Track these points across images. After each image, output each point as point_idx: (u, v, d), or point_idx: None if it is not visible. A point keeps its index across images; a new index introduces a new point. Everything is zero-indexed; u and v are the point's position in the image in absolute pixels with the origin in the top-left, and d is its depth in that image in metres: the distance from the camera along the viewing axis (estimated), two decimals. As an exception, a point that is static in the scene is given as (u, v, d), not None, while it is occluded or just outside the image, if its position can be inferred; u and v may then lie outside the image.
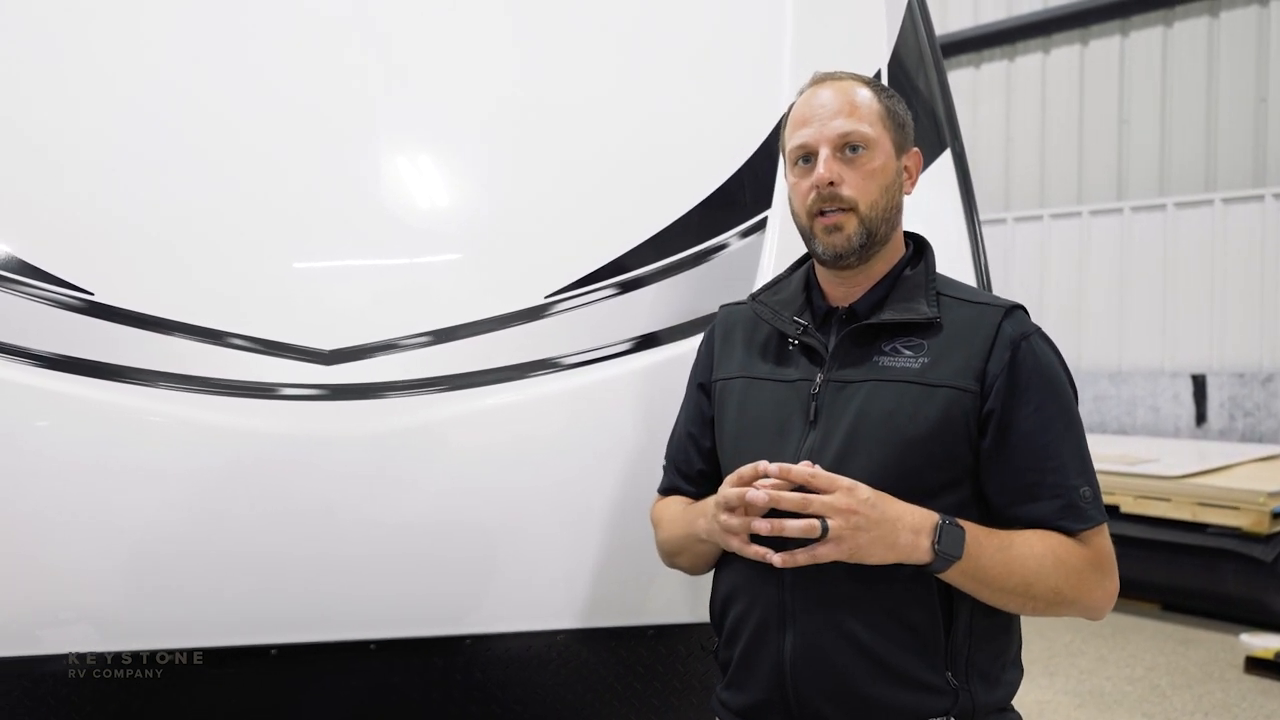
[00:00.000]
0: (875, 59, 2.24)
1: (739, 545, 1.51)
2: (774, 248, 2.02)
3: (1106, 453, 6.73)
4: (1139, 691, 4.73)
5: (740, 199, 2.06)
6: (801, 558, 1.44)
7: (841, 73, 1.66)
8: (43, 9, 1.99)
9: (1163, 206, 8.44)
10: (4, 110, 1.91)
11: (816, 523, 1.42)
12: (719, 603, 1.68)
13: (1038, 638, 5.26)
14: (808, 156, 1.60)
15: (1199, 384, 8.05)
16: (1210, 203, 8.18)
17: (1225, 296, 8.03)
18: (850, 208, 1.56)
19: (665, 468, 1.81)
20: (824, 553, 1.43)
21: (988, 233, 9.09)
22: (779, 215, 2.04)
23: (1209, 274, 8.11)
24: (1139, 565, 5.76)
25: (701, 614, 1.95)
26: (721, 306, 1.82)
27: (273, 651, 1.80)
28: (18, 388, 1.69)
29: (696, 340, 1.94)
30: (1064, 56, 9.42)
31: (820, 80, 1.65)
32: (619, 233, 1.99)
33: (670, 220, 2.01)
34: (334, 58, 2.05)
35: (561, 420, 1.89)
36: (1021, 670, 1.65)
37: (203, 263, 1.85)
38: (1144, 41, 8.91)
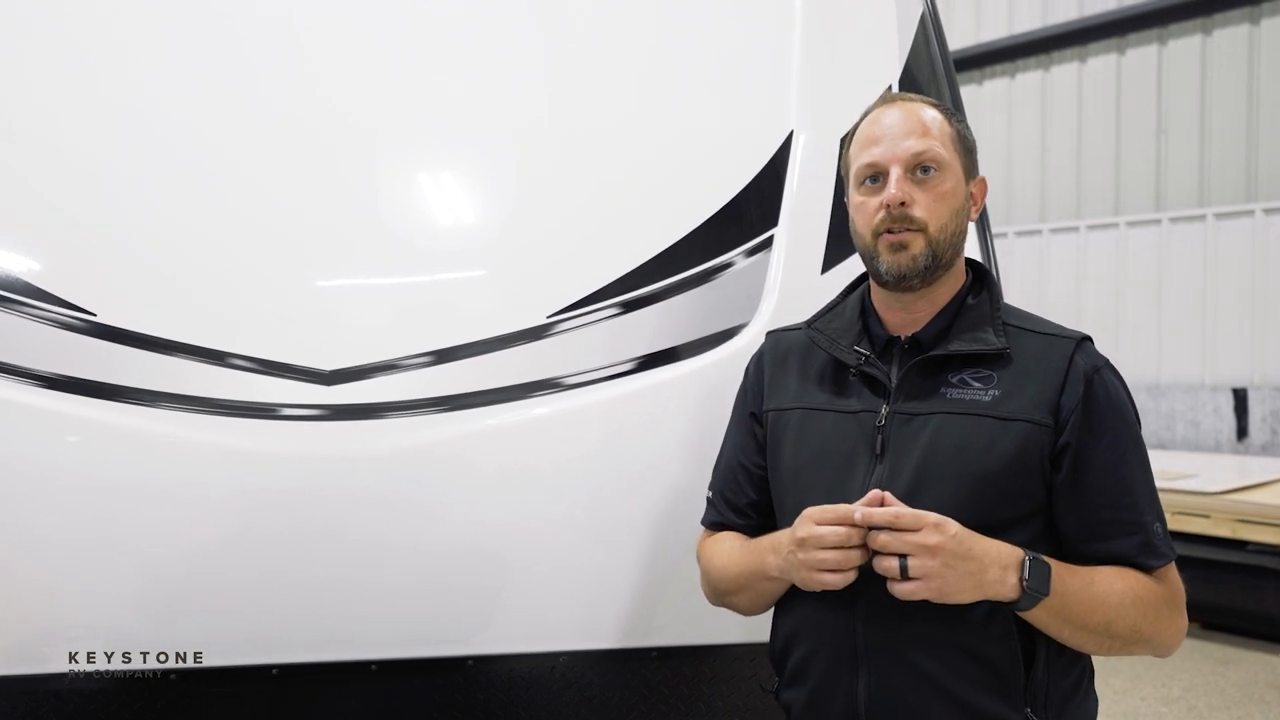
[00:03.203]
0: (886, 75, 2.21)
1: (833, 579, 1.45)
2: (780, 266, 2.00)
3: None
4: (1175, 713, 4.63)
5: (746, 217, 2.04)
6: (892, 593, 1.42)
7: (910, 95, 1.65)
8: (47, 30, 2.02)
9: (1202, 217, 8.32)
10: (7, 132, 1.94)
11: (894, 563, 1.39)
12: (780, 642, 1.64)
13: (1071, 657, 5.18)
14: (876, 176, 1.56)
15: (1240, 398, 7.90)
16: (1251, 213, 8.04)
17: (1267, 309, 7.89)
18: (919, 229, 1.53)
19: (711, 500, 1.76)
20: (909, 589, 1.40)
21: (1023, 245, 9.06)
22: (785, 234, 2.03)
23: (1250, 286, 7.97)
24: (1177, 583, 5.64)
25: (705, 636, 1.94)
26: (769, 333, 1.78)
27: (274, 671, 1.80)
28: (20, 408, 1.71)
29: (702, 359, 1.94)
30: (1100, 66, 9.32)
31: (889, 101, 1.62)
32: (622, 251, 1.97)
33: (675, 239, 1.99)
34: (336, 79, 2.06)
35: (564, 441, 1.87)
36: (1097, 700, 1.61)
37: (204, 283, 1.86)
38: (1182, 50, 8.80)
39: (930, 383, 1.54)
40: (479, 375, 1.85)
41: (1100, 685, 4.85)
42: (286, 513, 1.76)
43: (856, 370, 1.59)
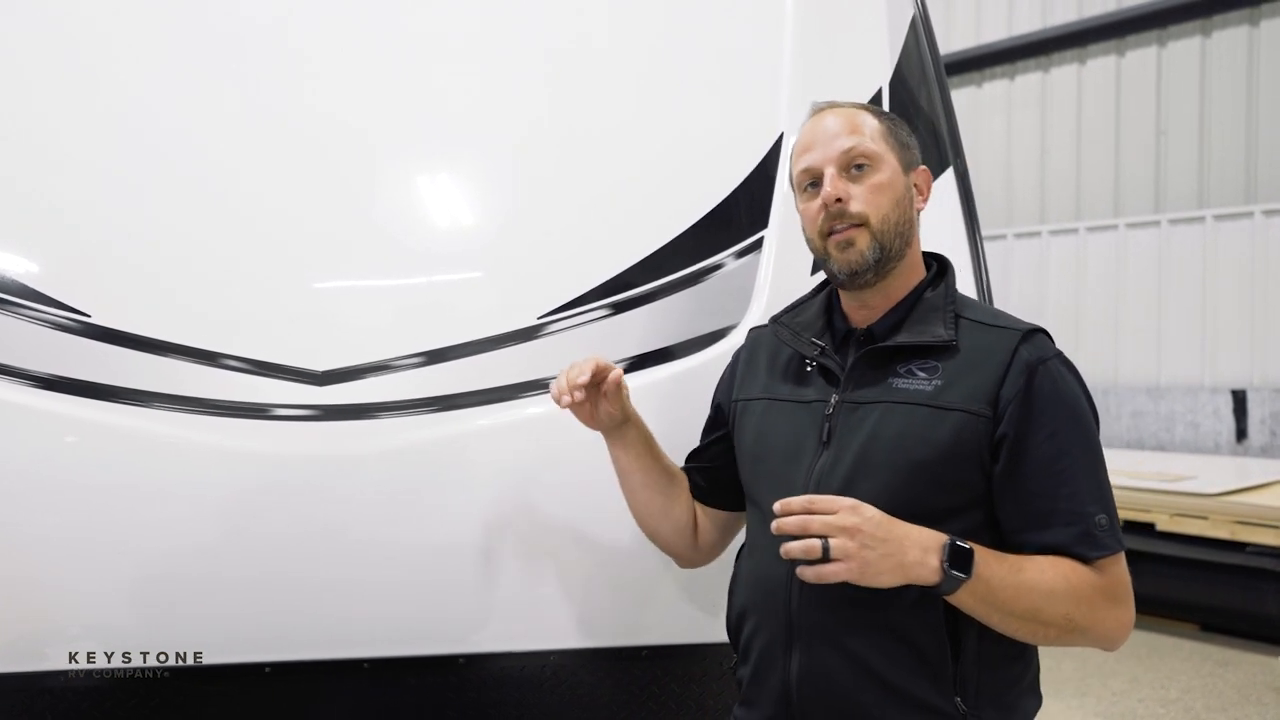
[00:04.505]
0: (877, 77, 2.23)
1: (554, 386, 1.68)
2: (770, 267, 2.01)
3: (1143, 469, 6.62)
4: (1173, 714, 4.64)
5: (736, 219, 2.05)
6: (809, 574, 1.41)
7: (840, 101, 1.68)
8: (45, 33, 2.03)
9: (1202, 219, 8.32)
10: (3, 134, 1.95)
11: (816, 543, 1.39)
12: (734, 619, 1.69)
13: (1069, 657, 5.18)
14: (815, 181, 1.60)
15: (1239, 399, 7.89)
16: (1250, 215, 8.04)
17: (1267, 310, 7.89)
18: (861, 223, 1.56)
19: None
20: (831, 571, 1.40)
21: (1023, 247, 9.01)
22: (775, 235, 2.04)
23: (1249, 288, 7.96)
24: (1176, 584, 5.66)
25: (696, 635, 1.95)
26: (750, 329, 1.83)
27: (267, 669, 1.82)
28: (15, 408, 1.72)
29: (692, 360, 1.96)
30: (1100, 67, 9.32)
31: (821, 109, 1.66)
32: (613, 253, 1.99)
33: (665, 240, 2.01)
34: (331, 82, 2.07)
35: (554, 441, 1.89)
36: (1040, 698, 1.62)
37: (198, 285, 1.87)
38: (1182, 51, 8.80)
39: (879, 373, 1.57)
40: (471, 376, 1.87)
41: (1098, 686, 4.81)
42: (279, 512, 1.78)
43: (814, 362, 1.64)
